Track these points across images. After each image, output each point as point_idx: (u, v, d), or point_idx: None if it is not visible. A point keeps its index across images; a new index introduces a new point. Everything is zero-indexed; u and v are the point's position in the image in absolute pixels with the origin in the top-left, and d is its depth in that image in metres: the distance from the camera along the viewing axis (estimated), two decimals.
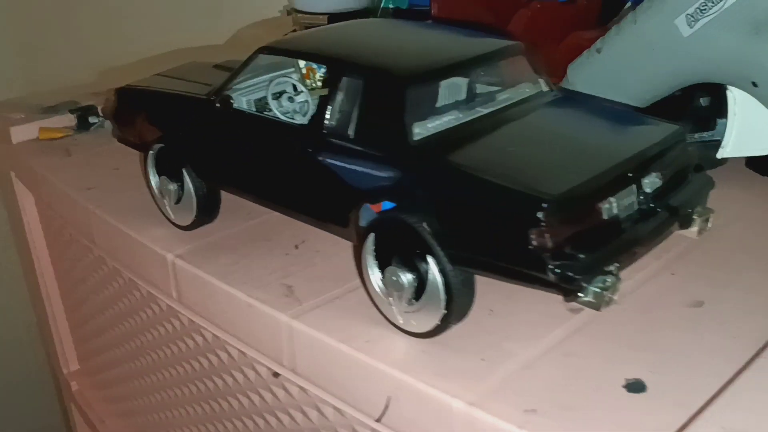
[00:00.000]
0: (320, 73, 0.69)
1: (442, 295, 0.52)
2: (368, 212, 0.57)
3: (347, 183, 0.57)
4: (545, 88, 0.61)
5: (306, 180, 0.60)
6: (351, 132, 0.56)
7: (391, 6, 1.26)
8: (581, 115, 0.60)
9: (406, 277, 0.54)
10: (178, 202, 0.73)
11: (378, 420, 0.56)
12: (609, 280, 0.48)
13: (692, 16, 0.72)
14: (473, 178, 0.49)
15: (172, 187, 0.72)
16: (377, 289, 0.57)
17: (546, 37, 0.97)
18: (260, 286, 0.65)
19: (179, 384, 0.87)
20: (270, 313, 0.62)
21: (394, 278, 0.54)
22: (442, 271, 0.52)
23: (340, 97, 0.57)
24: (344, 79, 0.57)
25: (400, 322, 0.56)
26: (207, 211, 0.73)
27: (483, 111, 0.58)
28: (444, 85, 0.57)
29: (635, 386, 0.50)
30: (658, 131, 0.56)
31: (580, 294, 0.47)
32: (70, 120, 1.08)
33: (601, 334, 0.55)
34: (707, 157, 0.79)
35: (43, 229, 1.12)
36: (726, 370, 0.50)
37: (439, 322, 0.54)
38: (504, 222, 0.48)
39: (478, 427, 0.49)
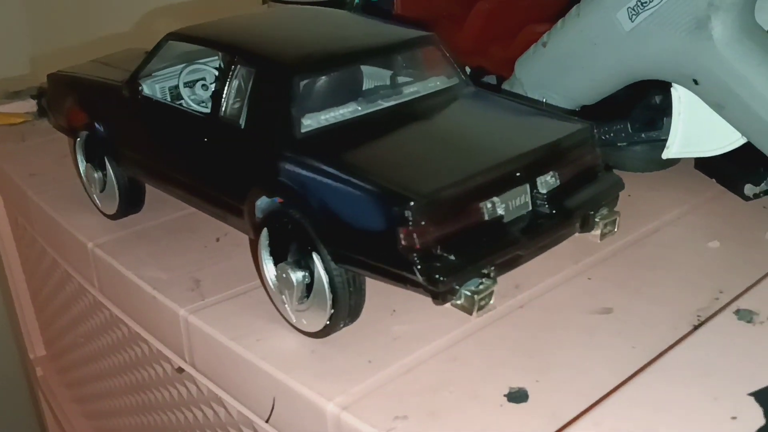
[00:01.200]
0: None
1: (328, 294, 0.50)
2: (265, 205, 0.55)
3: (239, 174, 0.55)
4: (458, 82, 0.59)
5: (205, 169, 0.58)
6: (242, 122, 0.54)
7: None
8: (485, 111, 0.57)
9: (296, 275, 0.52)
10: (102, 190, 0.72)
11: (267, 421, 0.54)
12: (484, 283, 0.46)
13: (633, 10, 0.69)
14: (349, 174, 0.47)
15: (97, 175, 0.71)
16: (272, 286, 0.55)
17: (508, 31, 0.94)
18: (169, 279, 0.63)
19: (115, 374, 0.86)
20: (170, 307, 0.60)
21: (285, 275, 0.52)
22: (326, 268, 0.50)
23: (234, 85, 0.55)
24: (238, 68, 0.55)
25: (293, 320, 0.54)
26: (129, 201, 0.72)
27: (384, 104, 0.55)
28: (343, 75, 0.55)
29: (517, 395, 0.47)
30: (559, 129, 0.53)
31: (452, 297, 0.45)
32: (33, 106, 1.08)
33: (495, 339, 0.53)
34: (655, 158, 0.76)
35: (8, 215, 1.12)
36: (610, 380, 0.47)
37: (327, 322, 0.52)
38: (375, 220, 0.46)
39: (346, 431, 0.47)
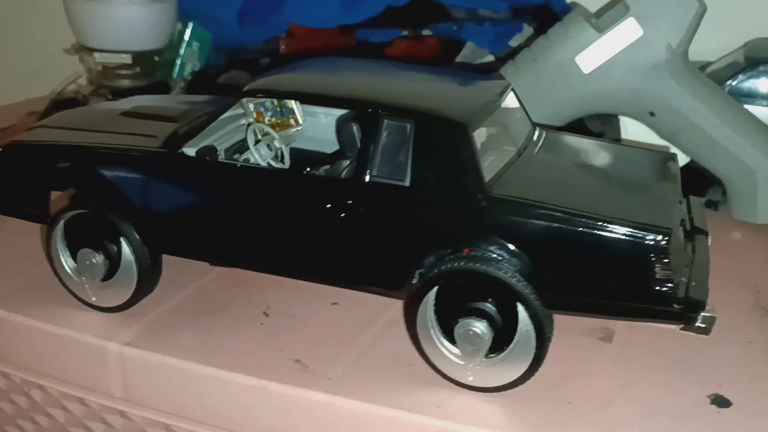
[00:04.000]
0: (268, 116, 0.63)
1: (534, 344, 0.50)
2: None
3: (404, 236, 0.52)
4: (532, 124, 0.62)
5: (343, 238, 0.53)
6: (407, 181, 0.51)
7: (195, 43, 1.17)
8: (598, 151, 0.61)
9: (484, 329, 0.50)
10: (106, 278, 0.60)
11: None
12: (709, 305, 0.50)
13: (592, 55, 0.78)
14: (577, 218, 0.48)
15: (97, 260, 0.59)
16: (441, 347, 0.52)
17: None
18: (263, 365, 0.56)
19: None
20: (300, 395, 0.53)
21: (471, 332, 0.51)
22: (532, 316, 0.50)
23: (381, 144, 0.52)
24: (385, 123, 0.51)
25: (470, 379, 0.52)
26: (149, 284, 0.61)
27: (512, 149, 0.56)
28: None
29: (719, 401, 0.52)
30: (671, 163, 0.59)
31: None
32: None
33: (642, 363, 0.56)
34: None
35: None
36: None
37: (522, 372, 0.51)
38: (620, 258, 0.48)
39: None
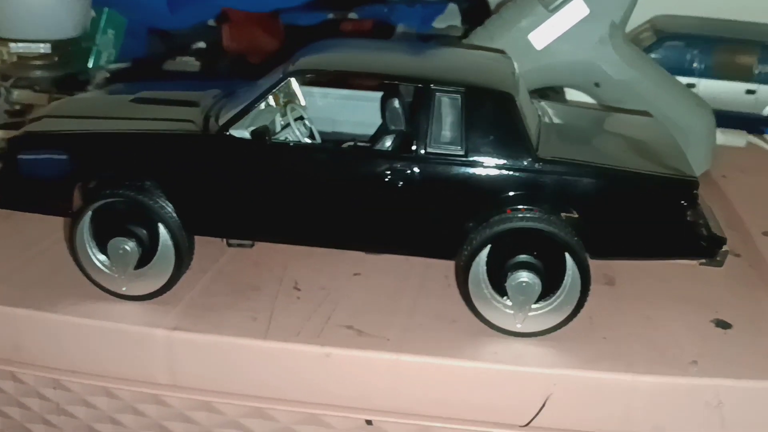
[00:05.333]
0: (282, 97, 0.65)
1: (579, 292, 0.56)
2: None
3: (460, 202, 0.56)
4: None
5: (401, 208, 0.56)
6: (461, 149, 0.55)
7: (110, 30, 1.14)
8: (595, 116, 0.69)
9: (534, 279, 0.56)
10: (140, 265, 0.60)
11: (527, 424, 0.57)
12: None
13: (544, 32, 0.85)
14: (621, 173, 0.55)
15: (130, 247, 0.59)
16: (493, 301, 0.57)
17: None
18: (319, 334, 0.58)
19: None
20: (367, 357, 0.57)
21: (524, 284, 0.56)
22: (580, 268, 0.56)
23: (434, 116, 0.55)
24: (437, 97, 0.55)
25: (518, 327, 0.58)
26: (184, 269, 0.62)
27: (535, 117, 0.62)
28: None
29: (722, 324, 0.61)
30: (657, 122, 0.68)
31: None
32: None
33: (649, 299, 0.64)
34: None
35: None
36: None
37: (566, 317, 0.57)
38: (658, 206, 0.55)
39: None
